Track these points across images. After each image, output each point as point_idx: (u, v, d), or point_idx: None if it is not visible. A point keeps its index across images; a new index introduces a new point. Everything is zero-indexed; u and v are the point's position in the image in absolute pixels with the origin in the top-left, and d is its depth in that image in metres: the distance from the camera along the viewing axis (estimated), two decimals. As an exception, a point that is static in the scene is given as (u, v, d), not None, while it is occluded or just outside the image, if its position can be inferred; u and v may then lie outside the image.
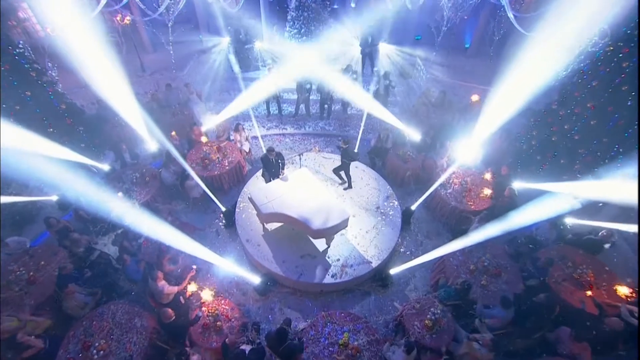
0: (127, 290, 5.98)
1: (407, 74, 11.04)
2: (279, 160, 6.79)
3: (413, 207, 7.26)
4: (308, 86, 9.42)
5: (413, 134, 8.46)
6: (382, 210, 7.11)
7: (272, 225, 6.61)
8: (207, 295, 5.33)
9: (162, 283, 5.28)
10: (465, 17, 10.77)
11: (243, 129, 8.47)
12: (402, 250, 7.06)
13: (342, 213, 5.87)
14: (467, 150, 7.59)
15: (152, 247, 6.07)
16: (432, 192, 7.26)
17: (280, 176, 6.58)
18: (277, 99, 9.82)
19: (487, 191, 7.08)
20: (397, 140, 8.56)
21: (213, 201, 7.07)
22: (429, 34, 11.26)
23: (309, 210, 5.91)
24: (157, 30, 10.44)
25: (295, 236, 6.43)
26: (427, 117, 9.07)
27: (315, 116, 10.32)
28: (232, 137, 8.51)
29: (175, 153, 7.22)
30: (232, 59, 10.75)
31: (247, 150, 8.58)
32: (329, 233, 5.91)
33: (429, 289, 6.25)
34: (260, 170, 7.51)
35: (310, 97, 10.08)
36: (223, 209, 7.19)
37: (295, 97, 9.95)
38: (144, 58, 11.04)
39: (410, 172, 7.92)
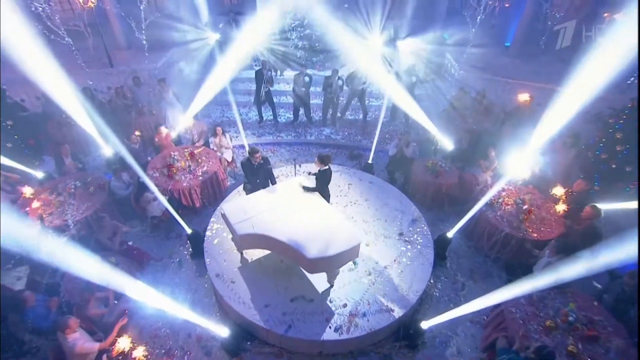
0: (28, 348, 4.60)
1: (434, 73, 10.17)
2: (266, 167, 6.21)
3: (449, 235, 6.02)
4: (307, 78, 8.92)
5: (445, 142, 7.76)
6: (406, 238, 6.11)
7: (254, 255, 5.81)
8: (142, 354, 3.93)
9: (74, 337, 3.95)
10: (507, 5, 10.19)
11: (224, 132, 7.82)
12: (436, 294, 5.81)
13: (351, 238, 4.84)
14: (519, 162, 6.67)
15: (77, 282, 4.83)
16: (474, 215, 6.22)
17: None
18: (271, 102, 9.47)
19: (559, 209, 5.82)
20: (424, 148, 7.92)
21: (178, 223, 6.19)
22: (461, 23, 10.57)
23: (303, 231, 4.90)
24: (133, 18, 10.11)
25: (285, 270, 5.57)
26: (463, 122, 8.34)
27: (318, 123, 9.87)
28: (211, 145, 7.87)
29: (130, 158, 6.45)
30: (219, 56, 10.43)
31: (230, 160, 7.87)
32: (331, 265, 4.84)
33: (481, 354, 4.96)
34: (242, 185, 6.81)
35: (312, 101, 9.73)
36: (189, 231, 5.99)
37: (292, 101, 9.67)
38: (116, 54, 10.70)
39: (443, 189, 6.99)
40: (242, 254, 5.67)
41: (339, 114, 9.80)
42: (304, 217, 5.22)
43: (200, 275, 6.08)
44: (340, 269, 5.13)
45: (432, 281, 5.93)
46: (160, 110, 8.72)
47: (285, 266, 5.61)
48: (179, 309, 5.11)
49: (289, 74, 10.33)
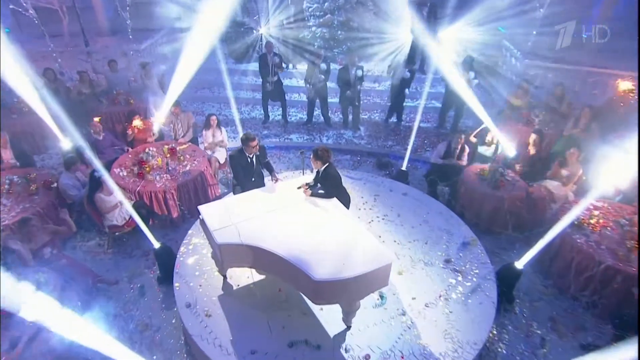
0: None
1: (485, 67, 9.86)
2: (263, 161, 5.97)
3: (518, 266, 5.35)
4: (324, 66, 8.79)
5: (507, 147, 7.29)
6: (455, 267, 5.56)
7: (241, 279, 5.34)
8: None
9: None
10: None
11: (219, 124, 7.61)
12: (501, 351, 5.06)
13: (378, 256, 4.27)
14: (614, 173, 6.05)
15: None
16: (553, 242, 5.50)
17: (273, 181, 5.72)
18: (282, 96, 9.42)
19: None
20: (476, 153, 7.50)
21: (147, 238, 5.75)
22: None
23: (309, 244, 4.39)
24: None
25: (283, 303, 5.05)
26: (528, 124, 8.03)
27: (338, 125, 9.76)
28: (201, 140, 7.71)
29: (90, 151, 6.37)
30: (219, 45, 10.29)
31: (222, 162, 7.58)
32: (348, 294, 4.23)
33: None
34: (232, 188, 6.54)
35: (331, 100, 9.64)
36: (156, 245, 5.64)
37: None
38: (96, 41, 10.98)
39: (505, 206, 6.36)
40: (225, 277, 5.21)
41: (361, 115, 9.61)
42: (310, 225, 4.73)
43: (167, 307, 5.54)
44: (361, 302, 4.51)
45: (494, 332, 5.15)
46: (142, 100, 8.70)
47: (284, 296, 5.05)
48: (127, 356, 4.41)
49: (303, 67, 10.29)
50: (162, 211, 6.54)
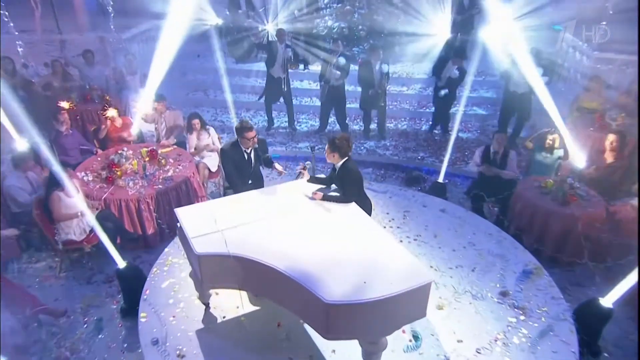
0: None
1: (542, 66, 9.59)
2: (263, 156, 5.85)
3: (605, 303, 4.85)
4: (342, 60, 8.64)
5: (575, 155, 7.13)
6: (515, 302, 5.17)
7: (227, 308, 5.08)
8: None
9: None
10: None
11: (204, 125, 7.51)
12: None
13: (412, 272, 3.93)
14: None
15: None
16: None
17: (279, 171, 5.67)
18: (289, 99, 9.43)
19: None
20: (536, 161, 7.19)
21: (112, 258, 5.57)
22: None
23: (318, 257, 4.06)
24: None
25: (282, 341, 4.73)
26: (601, 127, 7.72)
27: (358, 134, 9.74)
28: (188, 146, 7.60)
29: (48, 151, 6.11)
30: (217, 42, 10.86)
31: (214, 170, 7.44)
32: (370, 326, 3.78)
33: None
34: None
35: (349, 105, 9.59)
36: (121, 265, 5.37)
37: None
38: (74, 38, 11.05)
39: (578, 228, 5.98)
40: (207, 306, 4.85)
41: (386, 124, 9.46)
42: (321, 235, 4.40)
43: (130, 346, 5.08)
44: (389, 341, 4.04)
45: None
46: (120, 98, 8.78)
47: (284, 333, 4.67)
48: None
49: (316, 68, 10.21)
50: (134, 227, 6.26)
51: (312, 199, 4.78)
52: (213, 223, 4.41)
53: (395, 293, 3.54)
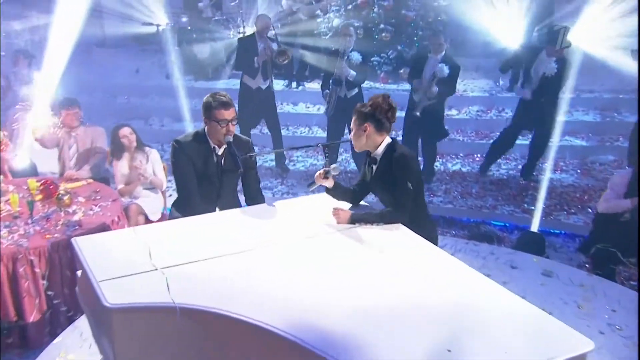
0: None
1: None
2: (250, 160, 5.44)
3: None
4: (357, 56, 8.46)
5: None
6: None
7: None
8: None
9: None
10: None
11: (141, 145, 7.11)
12: None
13: (564, 337, 3.15)
14: None
15: None
16: None
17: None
18: (276, 128, 9.37)
19: None
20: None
21: None
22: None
23: (349, 310, 3.31)
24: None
25: None
26: None
27: None
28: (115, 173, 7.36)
29: None
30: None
31: (156, 217, 7.00)
32: None
33: None
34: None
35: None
36: None
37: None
38: None
39: None
40: None
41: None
42: (353, 275, 3.71)
43: None
44: None
45: None
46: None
47: None
48: None
49: (314, 86, 10.63)
50: (5, 309, 5.47)
51: (337, 222, 4.20)
52: (145, 256, 3.90)
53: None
